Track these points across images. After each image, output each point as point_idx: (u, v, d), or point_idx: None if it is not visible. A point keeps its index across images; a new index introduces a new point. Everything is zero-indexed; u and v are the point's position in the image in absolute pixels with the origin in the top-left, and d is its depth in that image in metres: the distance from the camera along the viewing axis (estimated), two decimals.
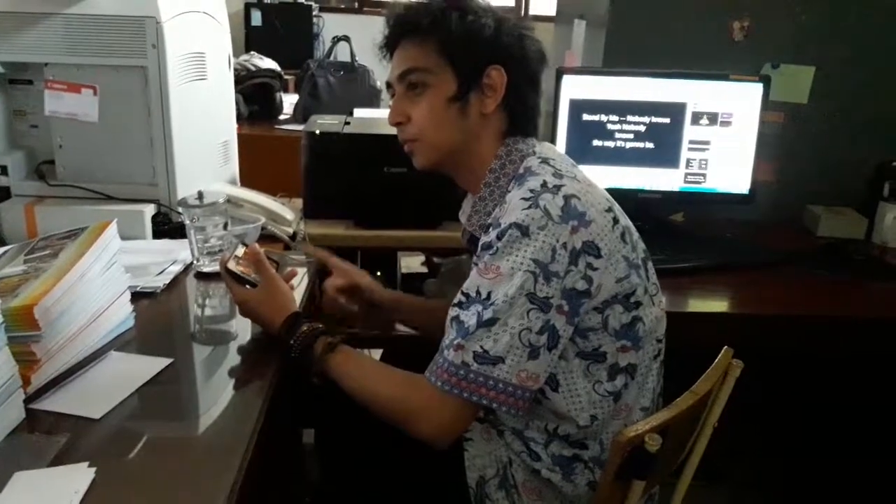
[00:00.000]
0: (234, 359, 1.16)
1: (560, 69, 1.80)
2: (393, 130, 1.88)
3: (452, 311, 1.04)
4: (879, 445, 1.93)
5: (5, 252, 1.16)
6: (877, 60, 2.01)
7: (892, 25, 2.00)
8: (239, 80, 3.34)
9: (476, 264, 1.04)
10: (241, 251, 1.21)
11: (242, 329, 1.28)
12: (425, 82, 1.12)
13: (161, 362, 1.06)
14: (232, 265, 1.18)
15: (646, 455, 0.95)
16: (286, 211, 1.76)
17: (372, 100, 3.37)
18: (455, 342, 1.00)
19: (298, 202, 1.88)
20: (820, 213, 2.01)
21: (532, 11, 5.49)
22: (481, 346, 0.99)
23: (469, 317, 1.00)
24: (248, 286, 1.18)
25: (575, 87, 1.79)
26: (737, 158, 1.83)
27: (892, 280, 1.74)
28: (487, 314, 0.99)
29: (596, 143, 1.81)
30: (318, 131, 1.79)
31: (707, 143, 1.82)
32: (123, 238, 1.17)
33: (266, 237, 1.68)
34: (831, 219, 2.00)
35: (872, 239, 1.96)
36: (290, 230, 1.73)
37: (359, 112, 2.57)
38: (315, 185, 1.81)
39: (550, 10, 3.01)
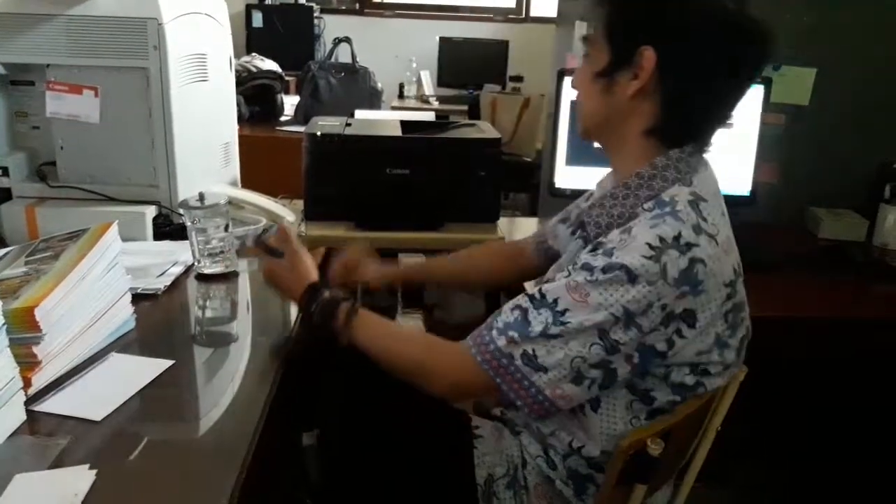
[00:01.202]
0: (234, 360, 1.16)
1: (561, 70, 1.80)
2: (394, 132, 1.89)
3: (522, 300, 1.01)
4: (882, 447, 1.92)
5: (6, 254, 1.16)
6: (878, 62, 2.01)
7: (894, 27, 2.00)
8: (240, 82, 3.34)
9: (570, 269, 1.00)
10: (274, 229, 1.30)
11: (243, 331, 1.28)
12: (587, 52, 1.07)
13: (162, 364, 1.06)
14: (271, 243, 1.26)
15: (648, 459, 0.95)
16: (287, 212, 1.76)
17: (373, 101, 3.37)
18: (510, 334, 0.99)
19: (299, 203, 1.88)
20: (821, 215, 2.01)
21: (533, 13, 5.48)
22: (533, 351, 0.98)
23: (536, 321, 0.98)
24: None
25: None
26: (738, 160, 1.83)
27: (893, 282, 1.74)
28: (554, 330, 0.97)
29: (597, 144, 1.81)
30: (319, 133, 1.78)
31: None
32: (124, 239, 1.17)
33: None
34: (832, 221, 2.00)
35: (873, 241, 1.96)
36: None
37: (360, 113, 2.57)
38: (316, 186, 1.80)
39: (551, 11, 3.01)
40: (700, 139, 1.05)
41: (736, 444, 1.23)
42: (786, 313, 1.54)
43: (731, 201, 1.12)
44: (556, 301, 0.97)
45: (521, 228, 2.00)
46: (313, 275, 1.19)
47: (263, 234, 1.31)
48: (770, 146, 1.91)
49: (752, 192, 1.84)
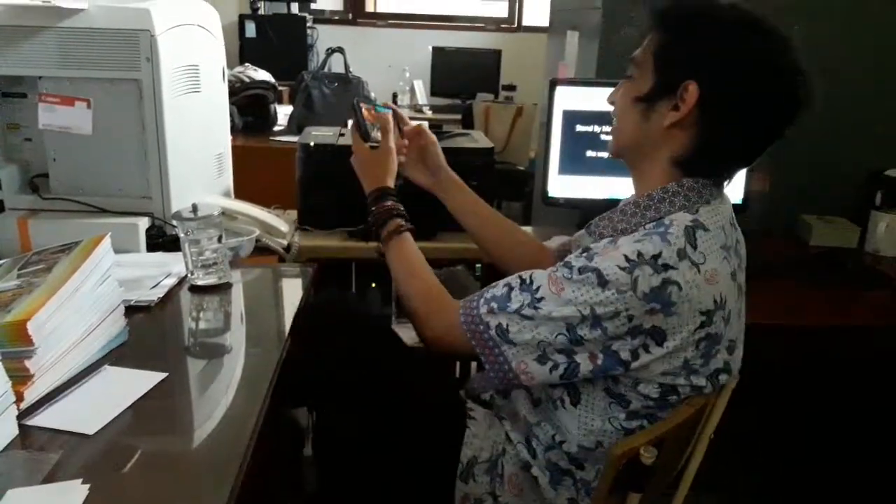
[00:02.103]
0: (228, 372, 1.15)
1: (553, 80, 1.81)
2: None
3: (513, 279, 1.09)
4: (875, 453, 1.93)
5: None
6: (867, 70, 2.03)
7: (883, 36, 2.02)
8: (233, 92, 3.34)
9: (558, 264, 1.06)
10: (382, 108, 1.40)
11: (236, 342, 1.28)
12: (632, 74, 1.09)
13: (155, 377, 1.06)
14: (364, 110, 1.38)
15: (641, 468, 0.95)
16: (280, 223, 1.76)
17: None
18: (492, 305, 1.08)
19: (293, 213, 1.88)
20: (812, 222, 2.02)
21: (525, 22, 5.50)
22: (507, 324, 1.05)
23: (516, 300, 1.05)
24: (366, 141, 1.37)
25: (568, 98, 1.80)
26: None
27: (885, 288, 1.75)
28: (528, 312, 1.04)
29: (590, 153, 1.82)
30: (312, 143, 1.79)
31: None
32: (117, 251, 1.17)
33: (260, 249, 1.69)
34: (824, 228, 2.01)
35: (865, 248, 1.97)
36: (285, 242, 1.73)
37: None
38: (310, 196, 1.81)
39: (543, 20, 3.03)
40: (721, 175, 1.08)
41: (728, 450, 1.23)
42: (778, 320, 1.55)
43: None
44: (537, 288, 1.04)
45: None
46: (391, 179, 1.34)
47: (365, 108, 1.39)
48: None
49: (745, 199, 1.85)
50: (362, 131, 1.37)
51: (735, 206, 1.85)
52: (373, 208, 1.30)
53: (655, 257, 0.97)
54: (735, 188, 1.84)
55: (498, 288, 1.09)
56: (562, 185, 1.87)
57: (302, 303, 1.41)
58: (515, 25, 5.52)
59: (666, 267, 0.96)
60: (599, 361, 1.02)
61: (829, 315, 1.59)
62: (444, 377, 1.21)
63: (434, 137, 1.47)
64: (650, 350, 1.00)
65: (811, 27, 1.97)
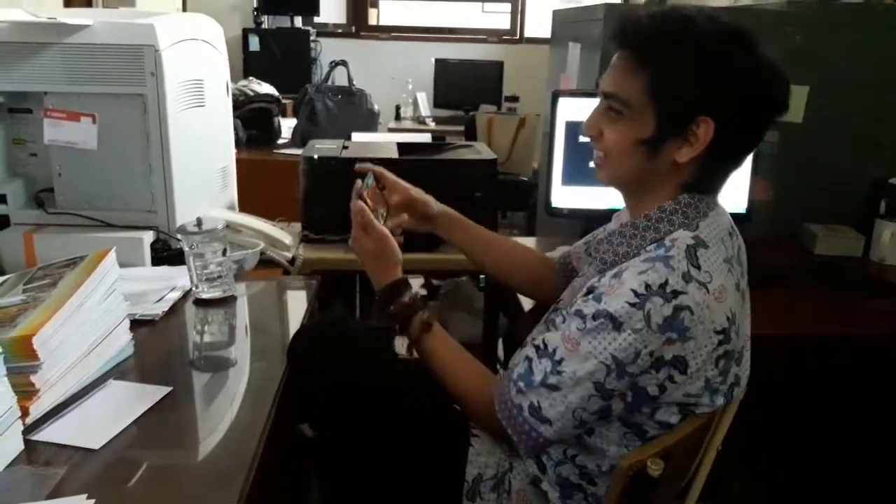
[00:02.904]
0: (233, 386, 1.15)
1: (556, 92, 1.82)
2: (390, 154, 1.90)
3: (529, 350, 1.08)
4: (880, 460, 1.92)
5: (4, 281, 1.16)
6: (871, 79, 2.03)
7: (885, 44, 2.02)
8: (237, 106, 3.36)
9: (565, 314, 1.05)
10: (371, 181, 1.31)
11: (241, 356, 1.28)
12: (621, 113, 1.03)
13: (160, 391, 1.06)
14: (357, 201, 1.25)
15: (648, 480, 0.95)
16: (284, 235, 1.76)
17: (370, 123, 3.39)
18: (519, 385, 1.06)
19: (297, 226, 1.88)
20: (817, 231, 2.02)
21: (527, 34, 5.53)
22: (538, 402, 1.04)
23: (538, 370, 1.04)
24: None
25: (570, 110, 1.80)
26: (733, 178, 1.82)
27: (890, 297, 1.74)
28: (552, 380, 1.02)
29: (592, 164, 1.82)
30: (316, 156, 1.79)
31: None
32: (122, 265, 1.17)
33: (265, 262, 1.69)
34: (828, 237, 2.00)
35: (870, 256, 1.97)
36: (289, 255, 1.73)
37: (357, 136, 2.59)
38: (314, 209, 1.81)
39: (545, 32, 3.04)
40: (720, 187, 1.09)
41: (733, 461, 1.22)
42: (782, 329, 1.54)
43: None
44: (554, 351, 1.03)
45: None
46: (399, 267, 1.25)
47: (364, 186, 1.28)
48: (764, 164, 1.92)
49: (748, 209, 1.85)
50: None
51: (739, 215, 1.87)
52: (391, 307, 1.22)
53: (663, 286, 0.96)
54: (739, 197, 1.84)
55: (520, 364, 1.08)
56: (565, 196, 1.87)
57: (306, 315, 1.41)
58: (518, 37, 5.55)
59: (675, 293, 0.96)
60: (629, 399, 1.01)
61: (833, 324, 1.59)
62: (447, 396, 1.19)
63: (413, 191, 1.39)
64: (675, 380, 0.99)
65: (813, 37, 1.99)
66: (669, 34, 1.00)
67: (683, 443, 1.03)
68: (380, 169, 1.37)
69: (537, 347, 1.06)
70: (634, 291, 0.96)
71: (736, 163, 1.07)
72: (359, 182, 1.28)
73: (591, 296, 1.02)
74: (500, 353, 2.10)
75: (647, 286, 0.96)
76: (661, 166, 1.04)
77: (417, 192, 1.40)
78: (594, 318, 0.99)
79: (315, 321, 1.41)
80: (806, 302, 1.67)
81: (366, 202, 1.25)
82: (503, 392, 1.08)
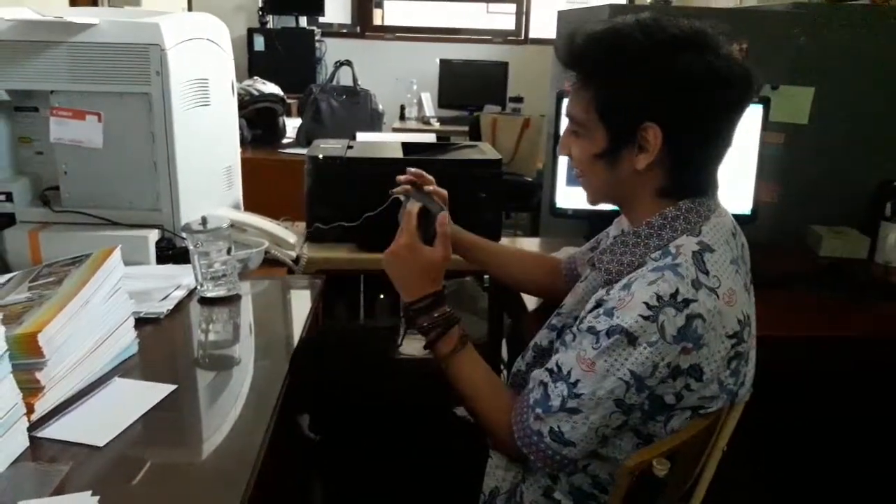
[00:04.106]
0: (237, 384, 1.16)
1: (560, 92, 1.81)
2: (396, 154, 1.91)
3: (542, 374, 1.06)
4: (887, 463, 1.91)
5: (10, 279, 1.16)
6: (876, 80, 2.02)
7: (891, 45, 2.02)
8: (242, 105, 3.36)
9: (576, 331, 1.04)
10: (415, 207, 1.22)
11: (245, 354, 1.28)
12: (577, 132, 1.07)
13: (165, 388, 1.06)
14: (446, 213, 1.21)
15: (654, 480, 0.95)
16: (289, 235, 1.76)
17: (374, 123, 3.39)
18: (537, 411, 1.04)
19: (302, 225, 1.89)
20: (822, 233, 2.01)
21: (532, 35, 5.53)
22: (558, 426, 1.02)
23: (555, 395, 1.03)
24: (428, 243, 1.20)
25: None
26: (738, 179, 1.84)
27: (895, 299, 1.73)
28: (571, 403, 1.01)
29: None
30: (320, 155, 1.79)
31: None
32: (127, 263, 1.17)
33: (269, 261, 1.69)
34: (833, 239, 2.00)
35: (875, 258, 1.96)
36: (294, 254, 1.73)
37: (362, 136, 2.59)
38: (318, 208, 1.81)
39: (550, 32, 3.04)
40: (709, 185, 1.07)
41: (739, 463, 1.22)
42: (788, 332, 1.54)
43: None
44: (569, 373, 1.02)
45: (523, 248, 2.01)
46: (439, 281, 1.20)
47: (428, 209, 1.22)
48: (770, 165, 1.91)
49: (753, 210, 1.85)
50: (427, 233, 1.21)
51: (743, 216, 1.87)
52: (435, 314, 1.17)
53: (674, 296, 0.95)
54: (744, 199, 1.84)
55: (535, 389, 1.06)
56: (569, 197, 1.87)
57: (310, 314, 1.41)
58: (523, 38, 5.54)
59: (686, 302, 0.95)
60: (648, 408, 1.01)
61: (838, 327, 1.58)
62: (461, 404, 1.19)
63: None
64: (691, 387, 0.99)
65: (818, 38, 1.98)
66: (603, 50, 1.02)
67: (689, 443, 1.02)
68: (418, 171, 1.35)
69: (551, 371, 1.05)
70: (646, 304, 0.96)
71: (706, 161, 1.05)
72: (412, 203, 1.24)
73: (601, 310, 1.01)
74: (504, 353, 2.11)
75: (659, 297, 0.95)
76: (626, 176, 1.05)
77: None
78: (608, 334, 0.98)
79: (317, 332, 1.40)
80: (810, 304, 1.66)
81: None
82: (521, 419, 1.06)
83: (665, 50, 0.98)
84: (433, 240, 1.20)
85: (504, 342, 2.10)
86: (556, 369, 1.04)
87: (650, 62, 0.98)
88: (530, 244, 2.14)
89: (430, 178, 1.35)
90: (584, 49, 1.04)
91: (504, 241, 1.89)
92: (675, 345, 0.96)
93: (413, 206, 1.22)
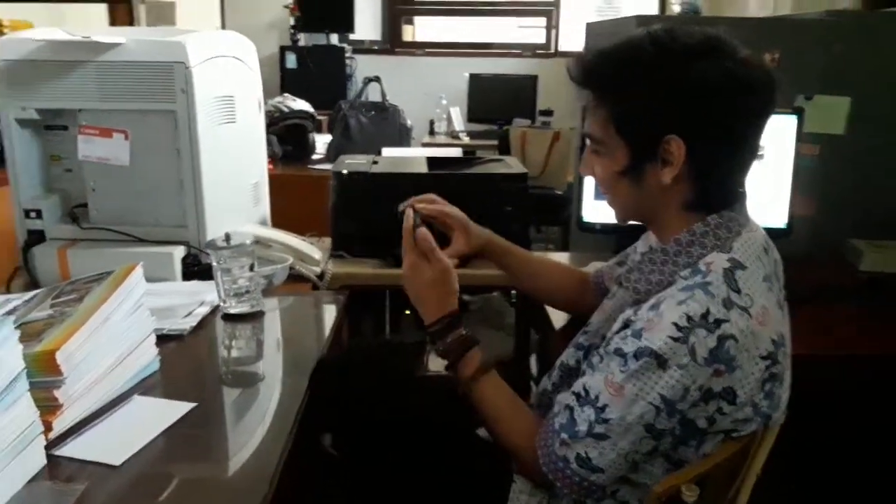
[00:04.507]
0: (258, 402, 1.15)
1: (584, 107, 1.78)
2: (420, 169, 1.89)
3: (568, 398, 1.03)
4: None
5: (34, 296, 1.17)
6: None
7: None
8: (273, 122, 3.40)
9: (603, 353, 1.01)
10: (408, 223, 1.21)
11: (268, 371, 1.27)
12: (598, 151, 1.05)
13: (183, 407, 1.05)
14: (423, 230, 1.19)
15: None
16: (314, 251, 1.76)
17: (402, 138, 3.40)
18: (562, 437, 1.01)
19: (328, 241, 1.88)
20: (861, 246, 1.95)
21: (561, 48, 5.51)
22: (585, 453, 0.99)
23: (581, 419, 0.99)
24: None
25: None
26: (773, 192, 1.79)
27: None
28: (599, 429, 0.97)
29: None
30: (345, 171, 1.79)
31: None
32: (153, 280, 1.17)
33: (294, 277, 1.69)
34: (874, 253, 1.93)
35: None
36: (318, 270, 1.73)
37: (387, 151, 2.58)
38: (343, 224, 1.81)
39: (580, 46, 3.02)
40: (737, 197, 1.04)
41: (773, 488, 1.17)
42: (826, 350, 1.49)
43: (767, 234, 1.10)
44: (596, 397, 0.98)
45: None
46: (455, 300, 1.18)
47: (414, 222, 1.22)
48: (805, 177, 1.86)
49: (789, 224, 1.80)
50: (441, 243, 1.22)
51: (778, 230, 1.82)
52: (447, 339, 1.15)
53: (705, 316, 0.92)
54: (779, 212, 1.79)
55: (560, 413, 1.03)
56: (596, 211, 1.84)
57: (332, 331, 1.40)
58: (552, 51, 5.53)
59: (718, 323, 0.92)
60: (679, 433, 0.97)
61: (879, 343, 1.52)
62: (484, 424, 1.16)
63: (457, 213, 1.36)
64: (724, 411, 0.96)
65: (854, 47, 1.93)
66: (614, 65, 1.01)
67: (721, 467, 0.98)
68: (430, 207, 1.33)
69: (577, 395, 1.02)
70: (676, 325, 0.92)
71: (732, 171, 1.02)
72: (409, 213, 1.23)
73: (629, 332, 0.98)
74: (534, 369, 2.07)
75: (689, 318, 0.92)
76: (652, 192, 1.02)
77: (459, 220, 1.37)
78: (636, 356, 0.94)
79: (340, 349, 1.38)
80: (851, 321, 1.61)
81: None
82: (546, 444, 1.03)
83: (678, 59, 0.96)
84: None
85: (534, 358, 2.07)
86: (582, 393, 1.01)
87: (664, 72, 0.96)
88: (559, 259, 2.10)
89: (430, 196, 1.34)
90: (595, 66, 1.03)
91: (535, 254, 1.86)
92: (707, 367, 0.92)
93: (407, 223, 1.21)
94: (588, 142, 1.08)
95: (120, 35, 1.51)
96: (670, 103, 0.97)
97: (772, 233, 1.89)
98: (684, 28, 0.99)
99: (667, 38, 0.98)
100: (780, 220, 1.79)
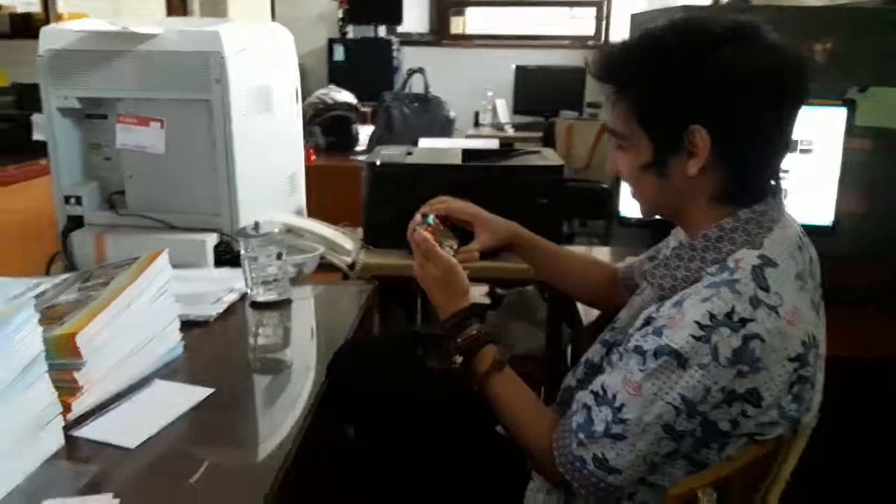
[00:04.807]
0: (277, 389, 1.16)
1: (607, 100, 1.74)
2: (454, 160, 1.88)
3: (586, 396, 1.01)
4: None
5: (65, 280, 1.20)
6: None
7: None
8: (318, 113, 3.44)
9: (623, 351, 0.99)
10: (432, 219, 1.25)
11: (291, 359, 1.28)
12: (622, 146, 1.04)
13: (202, 392, 1.06)
14: (420, 231, 1.21)
15: None
16: (345, 240, 1.76)
17: (445, 130, 3.38)
18: (579, 436, 0.99)
19: (361, 231, 1.88)
20: None
21: (612, 38, 5.41)
22: (602, 453, 0.97)
23: (598, 419, 0.97)
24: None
25: None
26: (818, 188, 1.71)
27: None
28: (616, 429, 0.95)
29: None
30: (378, 161, 1.79)
31: (786, 171, 1.71)
32: (186, 266, 1.19)
33: (325, 266, 1.69)
34: None
35: None
36: (349, 259, 1.73)
37: (424, 142, 2.57)
38: (375, 214, 1.81)
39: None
40: (770, 190, 1.00)
41: (802, 496, 1.12)
42: (871, 353, 1.42)
43: (810, 232, 1.05)
44: (614, 396, 0.96)
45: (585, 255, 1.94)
46: (466, 296, 1.18)
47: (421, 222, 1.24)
48: (854, 173, 1.78)
49: (835, 221, 1.72)
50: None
51: (822, 228, 1.75)
52: (458, 339, 1.14)
53: (729, 315, 0.89)
54: (824, 209, 1.71)
55: (578, 412, 1.00)
56: (633, 205, 1.79)
57: (356, 320, 1.39)
58: (602, 42, 5.44)
59: (743, 322, 0.88)
60: (700, 435, 0.94)
61: None
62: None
63: (468, 208, 1.34)
64: (748, 413, 0.92)
65: None
66: (634, 58, 0.99)
67: (743, 472, 0.95)
68: (439, 206, 1.31)
69: (595, 393, 0.99)
70: (698, 323, 0.89)
71: (761, 161, 0.98)
72: (417, 217, 1.25)
73: (650, 329, 0.95)
74: (570, 363, 2.04)
75: (712, 316, 0.89)
76: (678, 184, 0.99)
77: (478, 218, 1.34)
78: (656, 355, 0.91)
79: (355, 339, 1.38)
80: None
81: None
82: (563, 444, 1.01)
83: (699, 46, 0.93)
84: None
85: (569, 350, 2.04)
86: (600, 392, 0.98)
87: (684, 61, 0.93)
88: (600, 253, 2.07)
89: (441, 198, 1.33)
90: (614, 60, 1.01)
91: (579, 248, 1.83)
92: (730, 368, 0.88)
93: (411, 226, 1.23)
94: (613, 139, 1.06)
95: (158, 26, 1.54)
96: (690, 91, 0.94)
97: (815, 231, 1.82)
98: (712, 17, 0.96)
99: (686, 28, 0.95)
100: (825, 217, 1.71)
